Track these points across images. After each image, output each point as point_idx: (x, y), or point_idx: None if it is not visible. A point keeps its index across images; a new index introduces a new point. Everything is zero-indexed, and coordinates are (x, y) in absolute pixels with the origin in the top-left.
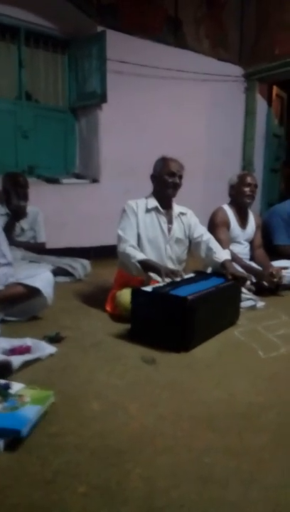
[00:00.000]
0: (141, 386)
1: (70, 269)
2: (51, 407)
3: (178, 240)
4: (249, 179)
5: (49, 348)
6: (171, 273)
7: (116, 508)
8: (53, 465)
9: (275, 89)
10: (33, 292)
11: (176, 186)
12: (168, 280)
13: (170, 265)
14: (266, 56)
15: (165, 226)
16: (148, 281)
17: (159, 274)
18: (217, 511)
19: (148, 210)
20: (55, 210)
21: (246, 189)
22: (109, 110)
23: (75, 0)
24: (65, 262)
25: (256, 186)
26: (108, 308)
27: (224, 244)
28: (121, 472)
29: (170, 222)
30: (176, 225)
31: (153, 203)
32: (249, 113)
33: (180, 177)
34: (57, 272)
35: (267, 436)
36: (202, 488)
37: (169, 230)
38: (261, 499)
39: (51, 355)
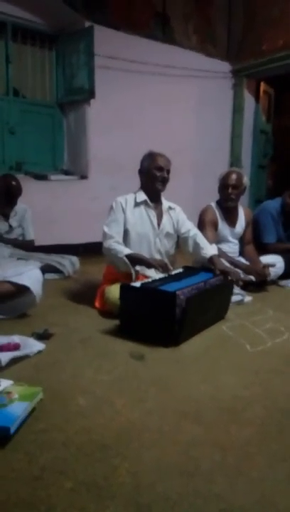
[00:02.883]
0: (129, 381)
1: (58, 266)
2: (39, 404)
3: (167, 234)
4: (229, 180)
5: (37, 345)
6: (162, 262)
7: (104, 503)
8: (40, 461)
9: (263, 86)
10: (22, 290)
11: (165, 180)
12: (160, 271)
13: (159, 258)
14: (253, 52)
15: (154, 220)
16: (136, 276)
17: (148, 266)
18: (203, 504)
19: (137, 204)
20: (43, 207)
21: (226, 191)
22: (98, 106)
23: None
24: (54, 259)
25: (236, 187)
26: (97, 304)
27: (211, 242)
28: (108, 467)
29: (159, 216)
30: (166, 219)
31: (142, 196)
32: (237, 109)
33: (168, 171)
34: (46, 269)
35: (253, 429)
36: (188, 482)
37: (159, 223)
38: (247, 491)
39: (39, 351)
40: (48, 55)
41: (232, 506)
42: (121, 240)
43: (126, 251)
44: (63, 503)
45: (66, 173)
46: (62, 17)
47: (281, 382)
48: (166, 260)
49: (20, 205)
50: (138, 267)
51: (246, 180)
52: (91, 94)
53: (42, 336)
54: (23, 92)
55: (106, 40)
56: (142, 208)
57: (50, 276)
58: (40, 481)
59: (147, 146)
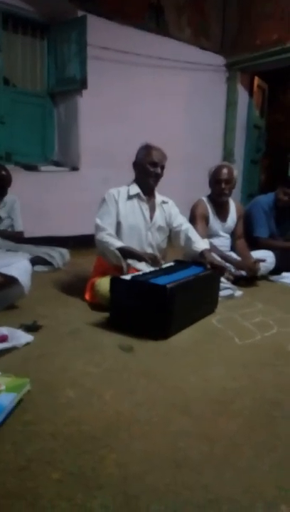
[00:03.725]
0: (118, 373)
1: (48, 258)
2: (26, 395)
3: (159, 228)
4: (221, 175)
5: (25, 337)
6: (152, 255)
7: (91, 494)
8: (27, 452)
9: (256, 80)
10: (10, 281)
11: (158, 176)
12: (150, 264)
13: (150, 252)
14: (247, 46)
15: (147, 213)
16: (127, 268)
17: (139, 259)
18: (191, 495)
19: (130, 197)
20: (33, 198)
21: (219, 186)
22: (89, 96)
23: None
24: (43, 251)
25: (229, 181)
26: (87, 297)
27: (202, 237)
28: (96, 458)
29: (152, 209)
30: (158, 213)
31: (135, 189)
32: (230, 103)
33: (162, 167)
34: (35, 260)
35: (241, 420)
36: (176, 473)
37: (151, 217)
38: (234, 482)
39: (28, 343)
40: (40, 44)
41: (220, 497)
42: (113, 232)
43: (118, 244)
44: (50, 494)
45: (57, 164)
46: (54, 6)
47: (270, 374)
48: (157, 254)
49: (10, 195)
50: (129, 260)
51: (236, 173)
52: (83, 84)
53: (30, 328)
54: (14, 81)
55: (99, 31)
56: (135, 200)
57: (39, 268)
58: (27, 472)
59: (139, 138)
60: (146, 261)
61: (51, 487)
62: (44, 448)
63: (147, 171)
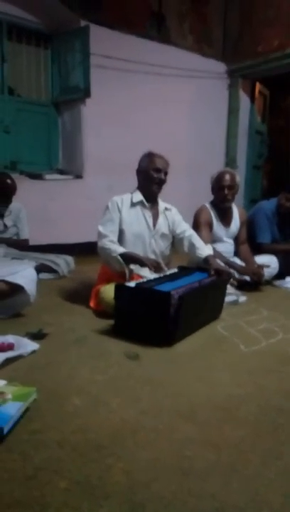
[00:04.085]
0: (124, 381)
1: (53, 266)
2: (33, 404)
3: (163, 235)
4: (224, 181)
5: (31, 345)
6: (155, 262)
7: (98, 503)
8: (34, 461)
9: (258, 87)
10: (16, 289)
11: (161, 183)
12: (152, 270)
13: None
14: (249, 53)
15: (150, 220)
16: (130, 274)
17: (141, 264)
18: (197, 503)
19: (133, 204)
20: (38, 206)
21: (222, 192)
22: (93, 105)
23: None
24: (48, 259)
25: (232, 187)
26: (91, 304)
27: (206, 243)
28: (103, 467)
29: (155, 216)
30: (161, 220)
31: (138, 197)
32: (233, 110)
33: (166, 173)
34: (41, 268)
35: (247, 428)
36: (182, 481)
37: (154, 224)
38: (241, 490)
39: (33, 351)
40: (44, 54)
41: (226, 505)
42: (116, 239)
43: (120, 250)
44: (57, 503)
45: (61, 172)
46: (57, 16)
47: (275, 381)
48: (161, 261)
49: (15, 204)
50: (132, 266)
51: (238, 179)
52: (86, 93)
53: (36, 336)
54: (18, 91)
55: (102, 40)
56: (138, 208)
57: (44, 276)
58: (34, 481)
59: (142, 145)
60: (148, 266)
61: (58, 496)
62: (51, 457)
63: (151, 178)
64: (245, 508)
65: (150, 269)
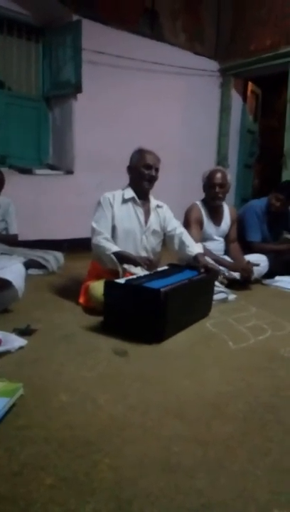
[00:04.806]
0: (112, 377)
1: (42, 262)
2: (19, 400)
3: (154, 232)
4: (215, 179)
5: (19, 341)
6: (147, 260)
7: (84, 499)
8: (20, 457)
9: (250, 86)
10: (4, 284)
11: (152, 179)
12: (145, 268)
13: (144, 256)
14: (241, 52)
15: (142, 217)
16: (123, 273)
17: (135, 264)
18: (184, 499)
19: (124, 201)
20: (27, 202)
21: (213, 190)
22: (84, 100)
23: None
24: (38, 255)
25: (223, 186)
26: (81, 300)
27: (196, 241)
28: (89, 463)
29: (147, 213)
30: (153, 217)
31: (130, 193)
32: (224, 108)
33: (157, 170)
34: (30, 264)
35: (235, 424)
36: (169, 477)
37: (146, 221)
38: (228, 486)
39: (21, 347)
40: (35, 48)
41: (213, 501)
42: (110, 235)
43: (114, 248)
44: (43, 499)
45: (51, 167)
46: (49, 10)
47: (264, 378)
48: (152, 257)
49: (4, 198)
50: (125, 265)
51: (230, 178)
52: (77, 88)
53: (24, 332)
54: (9, 85)
55: (94, 35)
56: (130, 204)
57: (34, 271)
58: (20, 477)
59: (134, 142)
60: (141, 265)
61: (44, 492)
62: (37, 453)
63: (142, 174)
64: (232, 504)
65: (143, 267)
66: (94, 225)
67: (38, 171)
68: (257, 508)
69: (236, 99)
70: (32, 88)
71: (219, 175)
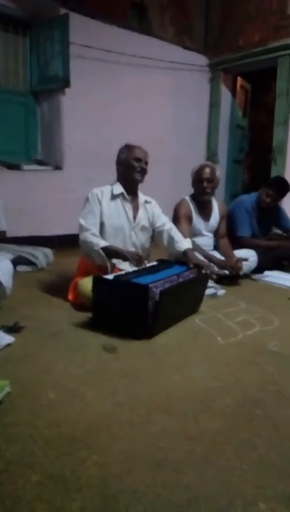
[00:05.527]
0: (100, 374)
1: (31, 258)
2: (6, 397)
3: (143, 228)
4: (203, 174)
5: (6, 338)
6: (136, 255)
7: (70, 496)
8: (6, 455)
9: (239, 81)
10: None
11: (143, 171)
12: (134, 264)
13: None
14: (230, 47)
15: (130, 213)
16: (112, 269)
17: (124, 258)
18: (170, 494)
19: (113, 197)
20: (16, 198)
21: (201, 185)
22: (73, 95)
23: None
24: (26, 251)
25: (211, 180)
26: (70, 297)
27: (185, 236)
28: (76, 460)
29: (135, 209)
30: (142, 213)
31: (119, 189)
32: (214, 103)
33: (146, 163)
34: (18, 261)
35: (222, 419)
36: (156, 473)
37: (135, 217)
38: (215, 480)
39: (8, 345)
40: (22, 42)
41: (199, 496)
42: (97, 231)
43: (102, 243)
44: (29, 496)
45: (40, 163)
46: (36, 3)
47: (252, 372)
48: (141, 253)
49: None
50: (114, 260)
51: (219, 173)
52: (66, 82)
53: (12, 329)
54: None
55: (82, 29)
56: (118, 200)
57: (22, 268)
58: (5, 475)
59: (123, 137)
60: (130, 260)
61: (30, 490)
62: (24, 450)
63: (132, 167)
64: (218, 498)
65: (131, 262)
66: (81, 221)
67: (26, 167)
68: (243, 502)
69: (225, 94)
70: (19, 83)
71: (207, 170)
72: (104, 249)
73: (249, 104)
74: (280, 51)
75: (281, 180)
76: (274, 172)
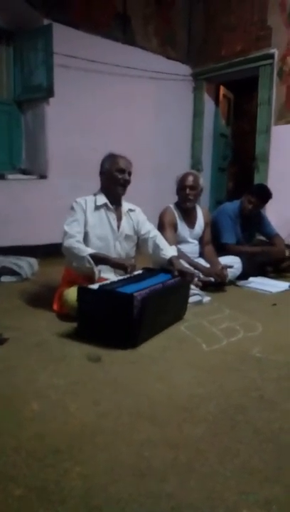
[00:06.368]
0: (84, 384)
1: (15, 268)
2: None
3: (127, 237)
4: (186, 181)
5: None
6: (128, 261)
7: (54, 508)
8: None
9: (222, 90)
10: None
11: (126, 183)
12: (128, 271)
13: None
14: (213, 56)
15: (114, 223)
16: (99, 275)
17: (112, 265)
18: (154, 503)
19: (97, 207)
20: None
21: (184, 192)
22: (57, 104)
23: None
24: (11, 261)
25: (193, 188)
26: (55, 307)
27: (171, 244)
28: (60, 472)
29: (119, 218)
30: (125, 222)
31: (102, 199)
32: (197, 112)
33: (130, 173)
34: (2, 271)
35: (205, 426)
36: (139, 482)
37: (118, 226)
38: (197, 488)
39: None
40: (5, 51)
41: (183, 504)
42: (82, 240)
43: (90, 250)
44: (11, 510)
45: (24, 172)
46: (19, 13)
47: (235, 379)
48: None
49: None
50: (99, 267)
51: (202, 181)
52: (49, 92)
53: None
54: None
55: (66, 39)
56: (102, 211)
57: (6, 278)
58: None
59: (107, 145)
60: (119, 268)
61: (12, 503)
62: (6, 463)
63: (115, 179)
64: (201, 506)
65: (120, 270)
66: (66, 227)
67: (10, 176)
68: (226, 509)
69: (208, 103)
70: (3, 92)
71: (190, 178)
72: (92, 256)
73: (232, 113)
74: (261, 61)
75: (262, 187)
76: (257, 179)
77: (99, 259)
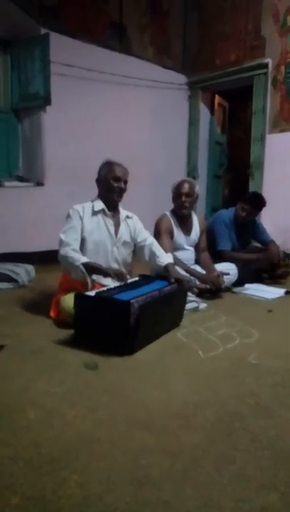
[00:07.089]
0: (80, 392)
1: (12, 275)
2: None
3: (124, 243)
4: (182, 188)
5: None
6: (118, 271)
7: None
8: None
9: (217, 99)
10: None
11: (121, 191)
12: (116, 279)
13: (116, 267)
14: (208, 65)
15: (112, 228)
16: (92, 285)
17: (104, 275)
18: None
19: (94, 213)
20: None
21: (179, 199)
22: (54, 113)
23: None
24: (7, 268)
25: (189, 195)
26: (52, 314)
27: (167, 251)
28: (57, 480)
29: (117, 224)
30: (123, 228)
31: (99, 205)
32: (193, 121)
33: (125, 182)
34: None
35: (202, 434)
36: (136, 490)
37: (116, 232)
38: (194, 496)
39: None
40: (3, 60)
41: None
42: (78, 247)
43: (83, 259)
44: None
45: (21, 179)
46: (16, 22)
47: (231, 386)
48: (123, 269)
49: None
50: (94, 276)
51: (198, 189)
52: (46, 100)
53: None
54: None
55: (63, 48)
56: (100, 216)
57: (3, 285)
58: None
59: (104, 154)
60: (111, 276)
61: None
62: (3, 472)
63: (111, 187)
64: None
65: (113, 278)
66: (62, 236)
67: (7, 183)
68: None
69: (204, 112)
70: (0, 100)
71: (186, 185)
72: (85, 265)
73: (227, 121)
74: (255, 70)
75: (256, 195)
76: (252, 187)
77: (91, 269)
